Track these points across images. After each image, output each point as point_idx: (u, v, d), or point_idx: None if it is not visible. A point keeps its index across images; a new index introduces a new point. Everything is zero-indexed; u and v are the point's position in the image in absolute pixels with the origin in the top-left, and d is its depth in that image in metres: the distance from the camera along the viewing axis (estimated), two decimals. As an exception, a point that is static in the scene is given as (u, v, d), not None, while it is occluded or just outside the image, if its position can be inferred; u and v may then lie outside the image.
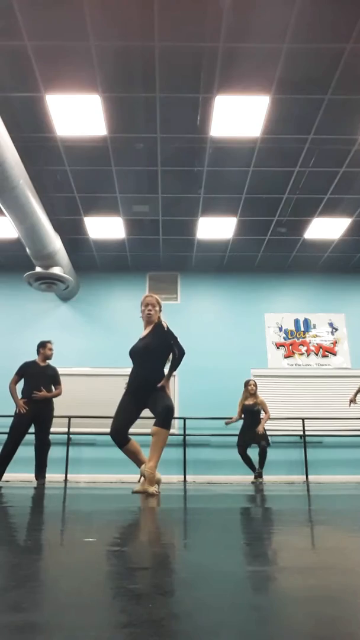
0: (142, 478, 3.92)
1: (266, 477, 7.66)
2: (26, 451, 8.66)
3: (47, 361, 6.26)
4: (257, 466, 7.29)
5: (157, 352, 4.11)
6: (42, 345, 6.24)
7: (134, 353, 4.20)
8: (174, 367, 4.08)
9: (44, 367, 6.21)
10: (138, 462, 4.17)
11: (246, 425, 7.51)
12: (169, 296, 9.99)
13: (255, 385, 7.70)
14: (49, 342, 6.30)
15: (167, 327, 4.16)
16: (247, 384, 7.71)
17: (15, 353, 9.56)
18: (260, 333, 9.80)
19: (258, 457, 7.31)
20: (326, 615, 0.71)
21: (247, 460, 7.36)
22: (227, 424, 7.69)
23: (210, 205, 7.83)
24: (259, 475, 7.25)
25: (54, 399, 6.16)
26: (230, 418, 7.72)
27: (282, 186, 7.33)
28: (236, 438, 7.57)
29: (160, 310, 4.34)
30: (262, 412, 7.52)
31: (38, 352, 6.22)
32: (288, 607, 0.75)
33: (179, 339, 4.10)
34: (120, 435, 4.10)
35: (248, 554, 1.31)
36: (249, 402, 7.57)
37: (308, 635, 0.62)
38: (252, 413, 7.51)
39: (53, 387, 6.17)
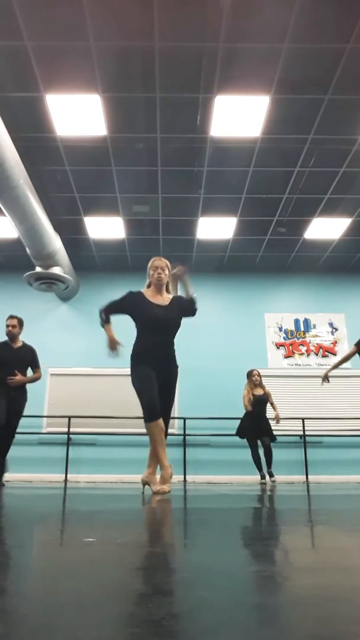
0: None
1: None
2: (26, 451, 8.67)
3: (22, 341, 5.60)
4: (263, 467, 7.24)
5: (178, 327, 4.02)
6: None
7: (159, 322, 3.92)
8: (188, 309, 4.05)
9: (18, 348, 5.53)
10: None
11: (256, 416, 7.30)
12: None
13: (259, 375, 7.55)
14: (9, 317, 5.54)
15: (190, 298, 4.10)
16: (250, 374, 7.54)
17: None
18: (260, 333, 9.80)
19: (264, 457, 7.27)
20: (326, 615, 0.71)
21: (257, 458, 7.25)
22: (247, 409, 7.40)
23: (210, 205, 7.83)
24: (270, 474, 7.16)
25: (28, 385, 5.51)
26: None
27: (282, 186, 7.33)
28: (235, 438, 7.53)
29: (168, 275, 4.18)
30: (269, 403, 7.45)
31: None
32: (288, 607, 0.75)
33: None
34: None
35: (248, 554, 1.31)
36: (259, 392, 7.44)
37: (308, 635, 0.62)
38: (263, 403, 7.37)
39: (31, 371, 5.57)
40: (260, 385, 7.51)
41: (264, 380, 7.80)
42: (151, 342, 3.86)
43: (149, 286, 4.14)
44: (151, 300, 3.99)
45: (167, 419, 3.89)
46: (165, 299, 4.03)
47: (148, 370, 3.77)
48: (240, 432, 7.43)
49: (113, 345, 4.04)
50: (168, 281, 4.12)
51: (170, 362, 3.94)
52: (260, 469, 7.24)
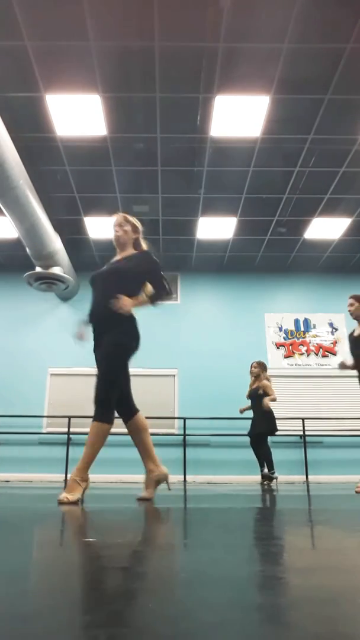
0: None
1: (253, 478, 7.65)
2: (26, 451, 8.67)
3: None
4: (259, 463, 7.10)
5: (129, 277, 3.20)
6: None
7: (96, 276, 3.36)
8: (153, 299, 3.22)
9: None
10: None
11: (253, 412, 7.02)
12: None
13: (256, 366, 7.14)
14: None
15: (151, 254, 3.41)
16: (251, 366, 7.22)
17: (15, 353, 9.58)
18: (260, 333, 9.80)
19: (262, 456, 7.05)
20: (326, 615, 0.71)
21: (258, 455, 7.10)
22: (241, 411, 7.15)
23: (210, 205, 7.83)
24: (269, 474, 6.83)
25: None
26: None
27: (282, 186, 7.33)
28: (235, 438, 7.53)
29: (136, 233, 3.51)
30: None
31: None
32: (288, 607, 0.75)
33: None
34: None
35: (248, 554, 1.31)
36: (253, 386, 7.08)
37: (308, 635, 0.62)
38: (256, 398, 6.96)
39: None
40: (258, 378, 7.10)
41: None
42: (91, 304, 3.29)
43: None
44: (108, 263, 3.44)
45: (127, 411, 3.23)
46: (123, 255, 3.44)
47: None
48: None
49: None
50: (137, 238, 3.49)
51: (104, 323, 3.12)
52: (262, 464, 7.05)
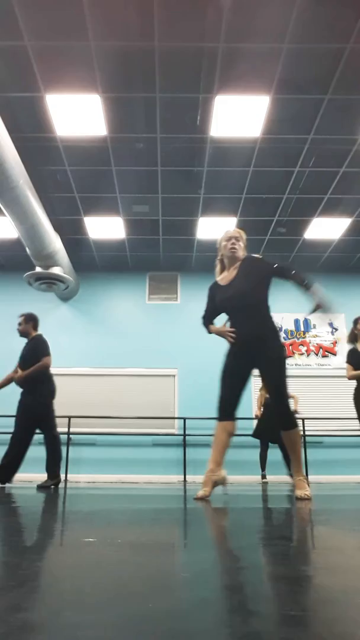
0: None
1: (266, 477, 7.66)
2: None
3: (24, 337, 5.58)
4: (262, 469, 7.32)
5: (260, 295, 3.41)
6: None
7: (228, 304, 3.48)
8: (301, 284, 3.41)
9: (24, 346, 5.49)
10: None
11: (264, 418, 7.32)
12: (169, 296, 9.99)
13: None
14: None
15: (255, 257, 3.51)
16: None
17: (15, 353, 9.57)
18: (260, 333, 9.80)
19: (283, 459, 7.32)
20: (326, 615, 0.71)
21: (263, 459, 7.30)
22: (257, 417, 7.50)
23: (210, 205, 7.83)
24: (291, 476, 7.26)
25: (43, 386, 5.32)
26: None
27: (282, 186, 7.33)
28: (235, 438, 7.56)
29: (245, 249, 3.63)
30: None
31: None
32: (288, 607, 0.75)
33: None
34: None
35: (248, 554, 1.31)
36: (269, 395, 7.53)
37: (308, 635, 0.62)
38: (271, 407, 7.39)
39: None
40: None
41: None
42: (233, 326, 3.47)
43: (222, 267, 3.69)
44: (221, 284, 3.58)
45: (277, 403, 3.29)
46: (232, 272, 3.53)
47: (227, 363, 3.48)
48: (256, 433, 7.48)
49: (224, 334, 3.63)
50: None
51: (261, 340, 3.30)
52: (262, 468, 7.31)
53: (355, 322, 5.51)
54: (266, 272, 3.46)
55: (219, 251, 3.70)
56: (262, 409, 7.46)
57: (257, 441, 7.73)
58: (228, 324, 3.55)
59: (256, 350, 3.30)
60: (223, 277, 3.58)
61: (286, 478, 8.39)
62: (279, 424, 3.28)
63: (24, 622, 0.66)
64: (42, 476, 5.47)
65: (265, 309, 3.42)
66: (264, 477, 7.21)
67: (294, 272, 3.46)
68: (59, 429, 8.20)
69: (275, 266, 3.49)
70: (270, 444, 7.39)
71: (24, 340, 5.77)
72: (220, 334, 3.61)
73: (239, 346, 3.41)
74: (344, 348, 9.79)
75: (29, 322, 5.54)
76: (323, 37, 4.85)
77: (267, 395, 7.41)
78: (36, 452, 8.88)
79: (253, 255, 3.60)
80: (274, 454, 7.57)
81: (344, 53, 5.02)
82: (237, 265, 3.50)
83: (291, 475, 7.11)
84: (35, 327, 5.57)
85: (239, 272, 3.46)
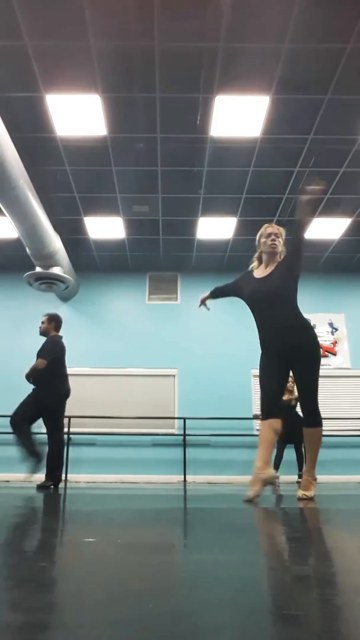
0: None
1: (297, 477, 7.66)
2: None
3: (44, 336, 5.69)
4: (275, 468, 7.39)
5: (288, 291, 3.38)
6: None
7: (258, 299, 3.42)
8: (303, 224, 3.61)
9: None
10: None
11: (284, 421, 7.53)
12: (169, 296, 9.99)
13: (292, 383, 7.79)
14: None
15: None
16: None
17: (15, 353, 9.58)
18: (260, 333, 9.79)
19: (296, 460, 7.46)
20: (326, 615, 0.71)
21: (279, 459, 7.38)
22: (255, 417, 7.59)
23: (210, 205, 7.83)
24: (300, 477, 7.38)
25: (58, 385, 5.49)
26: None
27: (282, 186, 7.33)
28: (235, 438, 7.59)
29: (284, 245, 3.62)
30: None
31: None
32: (288, 607, 0.75)
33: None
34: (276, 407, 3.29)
35: (248, 554, 1.31)
36: (285, 397, 7.61)
37: (309, 635, 0.62)
38: (287, 409, 7.34)
39: None
40: (290, 392, 7.61)
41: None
42: (262, 323, 3.43)
43: (259, 260, 3.68)
44: (255, 276, 3.56)
45: (308, 400, 3.29)
46: (269, 269, 3.53)
47: (266, 361, 3.41)
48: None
49: (202, 302, 3.79)
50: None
51: (295, 336, 3.29)
52: (276, 468, 7.45)
53: None
54: (293, 262, 3.50)
55: (257, 247, 3.71)
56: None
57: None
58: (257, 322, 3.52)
59: (291, 347, 3.28)
60: (259, 270, 3.58)
61: (285, 478, 8.40)
62: (305, 421, 3.31)
63: (24, 622, 0.66)
64: (42, 476, 5.46)
65: (297, 306, 3.41)
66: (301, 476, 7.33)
67: (296, 224, 3.61)
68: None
69: (292, 249, 3.55)
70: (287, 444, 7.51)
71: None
72: (203, 299, 3.77)
73: (274, 344, 3.38)
74: (344, 348, 9.80)
75: (52, 322, 5.71)
76: (323, 37, 4.85)
77: (285, 399, 7.58)
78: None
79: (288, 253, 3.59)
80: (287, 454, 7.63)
81: (344, 53, 5.02)
82: (276, 263, 3.51)
83: (300, 476, 7.24)
84: (56, 328, 5.70)
85: (276, 269, 3.47)
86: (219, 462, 8.66)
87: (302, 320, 3.35)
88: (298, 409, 7.59)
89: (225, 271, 10.01)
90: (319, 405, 3.30)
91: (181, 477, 8.35)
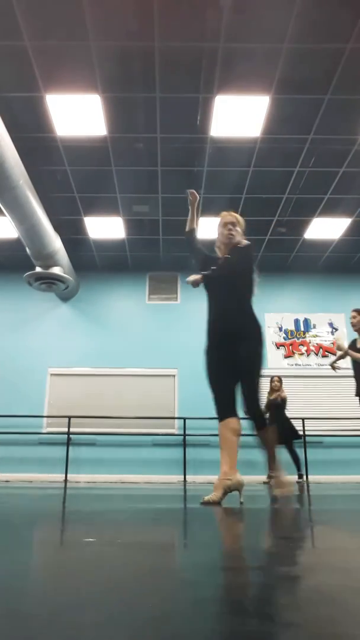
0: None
1: (265, 477, 7.66)
2: (26, 451, 8.67)
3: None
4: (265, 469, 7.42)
5: (245, 280, 3.19)
6: None
7: (213, 280, 3.22)
8: (212, 272, 3.14)
9: None
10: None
11: (272, 420, 7.64)
12: (169, 296, 9.99)
13: (278, 381, 7.89)
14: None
15: (245, 248, 3.31)
16: (270, 380, 7.91)
17: (15, 353, 9.58)
18: (260, 333, 9.80)
19: (292, 460, 7.51)
20: (326, 616, 0.71)
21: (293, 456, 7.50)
22: None
23: (210, 205, 7.82)
24: (300, 477, 7.48)
25: None
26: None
27: (282, 186, 7.33)
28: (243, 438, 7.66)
29: (244, 235, 3.43)
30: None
31: None
32: (288, 607, 0.75)
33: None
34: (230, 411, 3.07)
35: (248, 554, 1.31)
36: (272, 396, 7.73)
37: (308, 635, 0.62)
38: (275, 407, 7.59)
39: None
40: (278, 391, 7.80)
41: (266, 380, 7.91)
42: (210, 305, 3.25)
43: (220, 250, 3.53)
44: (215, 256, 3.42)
45: (251, 402, 3.07)
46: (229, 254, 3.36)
47: (210, 357, 3.20)
48: None
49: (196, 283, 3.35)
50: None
51: (236, 324, 3.12)
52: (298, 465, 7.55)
53: None
54: (249, 267, 3.32)
55: (217, 239, 3.53)
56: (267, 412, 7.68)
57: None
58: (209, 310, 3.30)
59: (231, 333, 3.11)
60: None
61: (293, 478, 8.40)
62: (256, 424, 3.08)
63: (23, 622, 0.66)
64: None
65: (248, 297, 3.21)
66: (270, 477, 7.31)
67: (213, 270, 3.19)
68: (59, 429, 8.21)
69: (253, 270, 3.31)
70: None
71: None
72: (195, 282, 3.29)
73: (217, 338, 3.19)
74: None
75: None
76: (323, 37, 4.85)
77: (268, 398, 7.64)
78: (37, 452, 8.90)
79: (249, 245, 3.40)
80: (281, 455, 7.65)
81: (344, 53, 5.02)
82: (234, 250, 3.34)
83: (300, 476, 7.27)
84: None
85: (233, 253, 3.30)
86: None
87: (248, 311, 3.16)
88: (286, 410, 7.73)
89: (225, 271, 10.04)
90: (260, 402, 3.12)
91: (181, 477, 8.35)
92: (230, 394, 3.09)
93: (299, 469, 7.47)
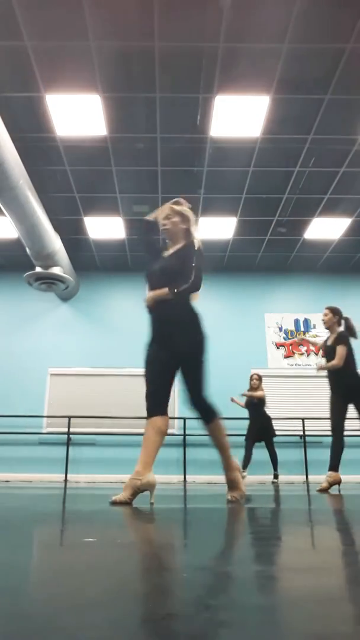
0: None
1: (266, 477, 7.66)
2: (26, 451, 8.67)
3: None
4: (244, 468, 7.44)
5: (179, 275, 3.03)
6: None
7: (149, 277, 3.18)
8: (181, 292, 2.99)
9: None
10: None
11: (250, 418, 7.69)
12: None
13: (257, 379, 7.85)
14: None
15: (200, 248, 3.16)
16: (250, 378, 7.95)
17: (15, 353, 9.58)
18: (260, 333, 9.80)
19: (270, 460, 7.53)
20: (326, 615, 0.71)
21: (247, 458, 7.41)
22: (232, 400, 7.75)
23: (210, 205, 7.83)
24: (275, 477, 7.49)
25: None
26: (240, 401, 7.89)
27: (282, 186, 7.33)
28: (235, 438, 7.66)
29: (186, 223, 3.23)
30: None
31: None
32: (288, 607, 0.75)
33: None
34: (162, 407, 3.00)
35: (248, 554, 1.31)
36: (252, 394, 7.77)
37: (308, 635, 0.62)
38: (253, 406, 7.63)
39: None
40: (256, 389, 7.78)
41: (265, 381, 7.94)
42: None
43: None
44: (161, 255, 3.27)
45: (197, 402, 3.07)
46: (171, 250, 3.25)
47: (149, 350, 3.12)
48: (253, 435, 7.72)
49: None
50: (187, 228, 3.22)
51: (173, 322, 3.04)
52: (243, 467, 7.42)
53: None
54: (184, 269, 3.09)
55: None
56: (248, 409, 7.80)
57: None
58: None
59: (169, 332, 3.04)
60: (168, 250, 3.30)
61: (285, 478, 8.39)
62: (203, 417, 3.07)
63: (23, 622, 0.66)
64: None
65: (185, 295, 3.06)
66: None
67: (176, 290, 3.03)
68: (59, 429, 8.22)
69: (194, 273, 3.05)
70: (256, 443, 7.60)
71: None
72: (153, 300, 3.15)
73: (153, 331, 3.12)
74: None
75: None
76: (323, 37, 4.85)
77: (248, 395, 7.73)
78: (37, 452, 8.90)
79: (190, 244, 3.18)
80: (278, 454, 7.67)
81: (344, 53, 5.02)
82: (178, 245, 3.20)
83: (276, 476, 7.29)
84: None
85: (174, 252, 3.17)
86: (219, 462, 8.66)
87: (182, 301, 3.04)
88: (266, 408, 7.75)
89: (225, 271, 10.04)
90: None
91: (181, 477, 8.35)
92: (164, 391, 3.01)
93: (275, 468, 7.50)
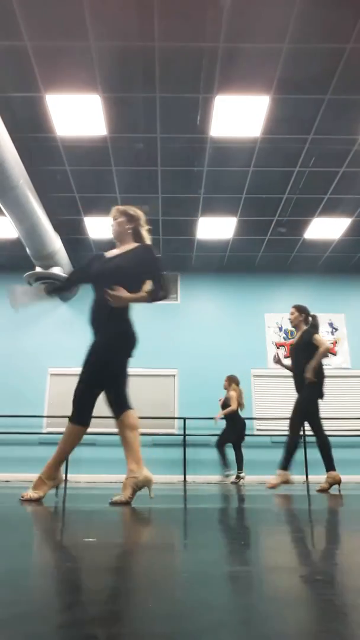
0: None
1: (266, 477, 7.66)
2: (26, 451, 8.67)
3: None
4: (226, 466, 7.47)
5: (129, 276, 2.98)
6: None
7: (94, 277, 3.05)
8: (151, 297, 3.01)
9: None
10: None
11: (227, 426, 7.66)
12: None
13: (226, 380, 7.77)
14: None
15: (151, 250, 3.13)
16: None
17: (15, 353, 9.58)
18: (260, 333, 9.80)
19: (235, 459, 7.57)
20: (325, 615, 0.71)
21: (223, 457, 7.50)
22: (216, 421, 7.69)
23: (210, 205, 7.83)
24: (238, 478, 7.50)
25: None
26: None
27: (282, 186, 7.33)
28: (235, 438, 7.68)
29: (132, 222, 3.17)
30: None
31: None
32: (288, 607, 0.75)
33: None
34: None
35: (248, 554, 1.31)
36: (222, 413, 7.69)
37: (308, 635, 0.62)
38: (228, 417, 7.54)
39: None
40: (227, 390, 7.74)
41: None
42: (90, 307, 3.10)
43: None
44: (105, 255, 3.21)
45: (116, 410, 3.22)
46: (123, 249, 3.16)
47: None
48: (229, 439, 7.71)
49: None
50: (136, 229, 3.18)
51: (97, 325, 3.08)
52: (238, 469, 7.52)
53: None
54: (145, 271, 3.05)
55: None
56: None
57: (258, 440, 7.79)
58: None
59: (98, 343, 3.11)
60: (112, 251, 3.24)
61: (266, 478, 8.39)
62: (116, 412, 3.20)
63: (23, 623, 0.66)
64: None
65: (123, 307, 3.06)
66: (227, 476, 7.46)
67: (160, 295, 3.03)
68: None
69: (155, 276, 3.03)
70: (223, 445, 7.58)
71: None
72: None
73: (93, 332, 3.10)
74: (343, 348, 9.79)
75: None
76: (323, 37, 4.85)
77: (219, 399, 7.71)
78: (37, 452, 8.88)
79: (148, 246, 3.16)
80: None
81: (344, 53, 5.02)
82: (126, 248, 3.14)
83: (238, 476, 7.32)
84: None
85: (120, 255, 3.11)
86: (219, 462, 8.66)
87: (112, 314, 3.03)
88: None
89: (225, 271, 10.04)
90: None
91: (181, 477, 8.35)
92: (118, 389, 3.31)
93: (239, 468, 7.46)
